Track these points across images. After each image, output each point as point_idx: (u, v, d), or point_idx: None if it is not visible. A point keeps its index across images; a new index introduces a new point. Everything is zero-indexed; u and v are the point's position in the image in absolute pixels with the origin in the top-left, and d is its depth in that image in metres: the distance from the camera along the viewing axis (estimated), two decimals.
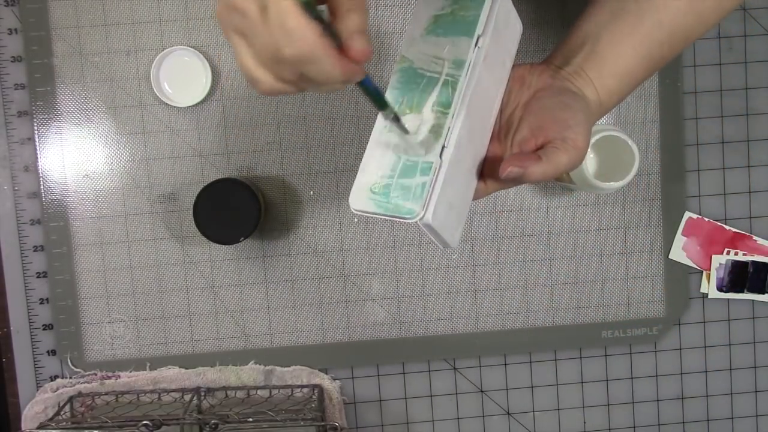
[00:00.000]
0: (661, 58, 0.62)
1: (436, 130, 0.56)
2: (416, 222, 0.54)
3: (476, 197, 0.61)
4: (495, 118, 0.61)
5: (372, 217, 0.55)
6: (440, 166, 0.55)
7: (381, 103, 0.54)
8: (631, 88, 0.62)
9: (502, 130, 0.62)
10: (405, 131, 0.56)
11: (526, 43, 0.83)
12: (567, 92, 0.60)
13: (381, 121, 0.57)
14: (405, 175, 0.55)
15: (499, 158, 0.61)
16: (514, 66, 0.63)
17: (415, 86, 0.57)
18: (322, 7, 0.50)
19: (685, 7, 0.60)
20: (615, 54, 0.60)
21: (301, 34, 0.46)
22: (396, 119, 0.55)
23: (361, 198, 0.55)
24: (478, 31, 0.57)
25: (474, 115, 0.58)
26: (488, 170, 0.61)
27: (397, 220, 0.54)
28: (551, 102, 0.60)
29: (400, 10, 0.84)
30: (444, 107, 0.56)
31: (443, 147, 0.55)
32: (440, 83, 0.57)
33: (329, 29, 0.48)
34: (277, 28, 0.46)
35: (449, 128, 0.56)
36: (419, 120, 0.56)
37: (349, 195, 0.56)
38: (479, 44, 0.57)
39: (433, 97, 0.57)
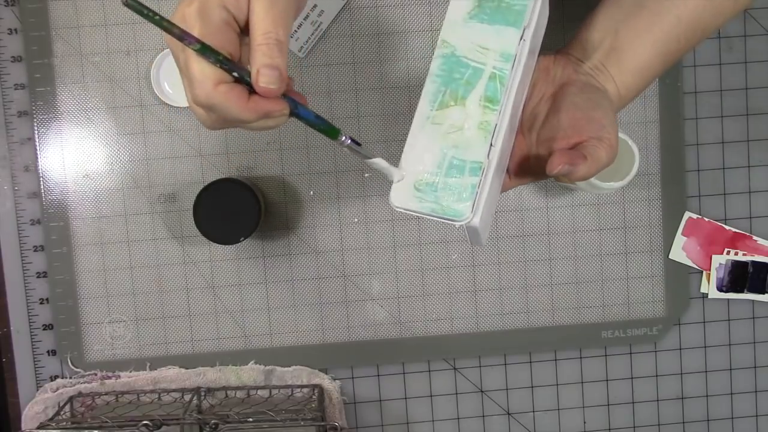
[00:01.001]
0: (677, 53, 0.62)
1: (484, 127, 0.53)
2: (461, 225, 0.52)
3: (503, 190, 0.61)
4: (520, 111, 0.60)
5: (413, 215, 0.53)
6: (488, 166, 0.53)
7: (328, 132, 0.52)
8: (648, 83, 0.63)
9: (525, 124, 0.61)
10: (367, 156, 0.53)
11: None
12: (593, 89, 0.60)
13: (423, 110, 0.55)
14: (452, 173, 0.53)
15: (524, 153, 0.61)
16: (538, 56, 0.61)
17: (459, 76, 0.55)
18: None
19: (703, 3, 0.60)
20: (634, 50, 0.60)
21: (199, 81, 0.46)
22: (354, 143, 0.52)
23: (404, 194, 0.53)
24: (525, 22, 0.55)
25: (513, 111, 0.56)
26: (512, 165, 0.61)
27: (443, 221, 0.52)
28: (581, 99, 0.59)
29: (400, 10, 0.84)
30: (491, 102, 0.54)
31: (491, 145, 0.53)
32: (487, 76, 0.54)
33: (237, 70, 0.47)
34: (184, 76, 0.48)
35: (497, 126, 0.53)
36: (464, 114, 0.54)
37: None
38: (524, 37, 0.55)
39: (479, 90, 0.54)
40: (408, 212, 0.53)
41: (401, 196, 0.53)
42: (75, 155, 0.83)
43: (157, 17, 0.45)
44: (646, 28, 0.60)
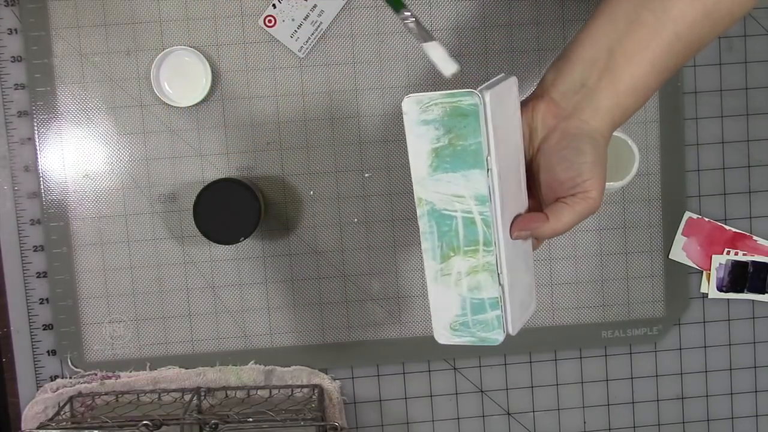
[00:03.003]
0: (675, 69, 0.59)
1: (487, 268, 0.57)
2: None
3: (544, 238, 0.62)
4: (524, 185, 0.61)
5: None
6: (504, 293, 0.58)
7: (396, 4, 0.53)
8: (644, 102, 0.60)
9: (531, 185, 0.62)
10: (427, 39, 0.55)
11: (526, 42, 0.83)
12: (570, 137, 0.58)
13: (430, 266, 0.59)
14: (477, 312, 0.59)
15: (539, 210, 0.61)
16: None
17: (447, 228, 0.58)
18: None
19: (701, 18, 0.57)
20: (630, 70, 0.58)
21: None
22: (418, 22, 0.54)
23: (445, 336, 0.61)
24: (485, 155, 0.55)
25: (508, 210, 0.58)
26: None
27: (485, 346, 0.60)
28: (556, 158, 0.59)
29: None
30: (486, 245, 0.57)
31: (499, 273, 0.57)
32: (471, 222, 0.57)
33: None
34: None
35: (498, 261, 0.57)
36: (465, 261, 0.58)
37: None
38: (489, 166, 0.55)
39: (470, 238, 0.57)
40: (455, 345, 0.61)
41: (444, 336, 0.61)
42: (75, 155, 0.83)
43: None
44: (643, 47, 0.57)
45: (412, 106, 0.56)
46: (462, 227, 0.57)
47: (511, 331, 0.60)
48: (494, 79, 0.57)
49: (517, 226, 0.58)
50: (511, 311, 0.59)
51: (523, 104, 0.60)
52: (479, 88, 0.54)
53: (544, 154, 0.59)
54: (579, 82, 0.58)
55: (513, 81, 0.58)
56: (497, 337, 0.59)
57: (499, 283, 0.58)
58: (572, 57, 0.59)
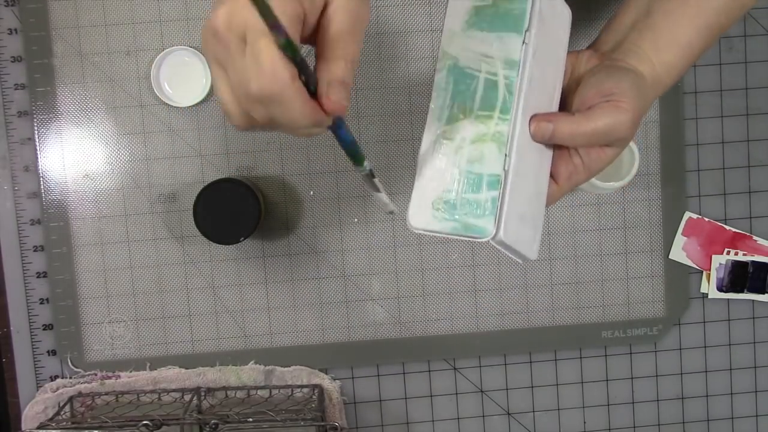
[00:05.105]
0: (719, 27, 0.59)
1: (497, 138, 0.52)
2: (489, 241, 0.51)
3: (551, 201, 0.58)
4: (557, 109, 0.58)
5: (435, 236, 0.52)
6: (506, 178, 0.51)
7: (356, 158, 0.50)
8: (690, 61, 0.59)
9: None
10: (376, 189, 0.52)
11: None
12: (615, 68, 0.57)
13: (432, 126, 0.53)
14: (470, 189, 0.51)
15: (564, 156, 0.58)
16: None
17: (464, 87, 0.53)
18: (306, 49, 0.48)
19: None
20: (671, 25, 0.58)
21: (272, 71, 0.44)
22: (371, 175, 0.51)
23: (422, 216, 0.52)
24: (525, 25, 0.53)
25: (531, 107, 0.54)
26: (556, 170, 0.58)
27: (467, 239, 0.51)
28: (595, 79, 0.57)
29: (400, 10, 0.84)
30: (502, 112, 0.52)
31: (506, 156, 0.52)
32: (494, 85, 0.53)
33: (307, 73, 0.46)
34: (252, 63, 0.45)
35: (510, 135, 0.52)
36: (475, 126, 0.53)
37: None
38: (526, 40, 0.53)
39: (488, 100, 0.53)
40: (428, 233, 0.52)
41: (419, 217, 0.52)
42: (75, 155, 0.83)
43: (268, 11, 0.43)
44: (682, 2, 0.57)
45: None
46: (482, 88, 0.53)
47: (501, 232, 0.51)
48: None
49: (538, 116, 0.54)
50: (508, 209, 0.51)
51: (570, 52, 0.60)
52: None
53: (586, 79, 0.57)
54: (621, 40, 0.59)
55: (569, 9, 0.57)
56: (486, 225, 0.50)
57: (504, 168, 0.52)
58: (613, 25, 0.60)
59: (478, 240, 0.51)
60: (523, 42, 0.53)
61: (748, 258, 0.87)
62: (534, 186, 0.55)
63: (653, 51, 0.58)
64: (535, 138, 0.54)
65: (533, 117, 0.54)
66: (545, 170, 0.56)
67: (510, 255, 0.54)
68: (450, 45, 0.54)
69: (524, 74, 0.53)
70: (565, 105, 0.59)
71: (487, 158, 0.52)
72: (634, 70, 0.57)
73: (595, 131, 0.54)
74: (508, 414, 0.89)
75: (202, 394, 0.84)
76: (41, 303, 0.84)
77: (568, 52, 0.59)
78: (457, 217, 0.51)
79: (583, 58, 0.60)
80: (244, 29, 0.45)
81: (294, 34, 0.46)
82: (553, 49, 0.57)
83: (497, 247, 0.52)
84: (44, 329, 0.85)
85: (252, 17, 0.44)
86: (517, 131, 0.52)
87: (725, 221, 0.87)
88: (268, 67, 0.44)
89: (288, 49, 0.44)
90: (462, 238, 0.51)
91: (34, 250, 0.84)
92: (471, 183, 0.51)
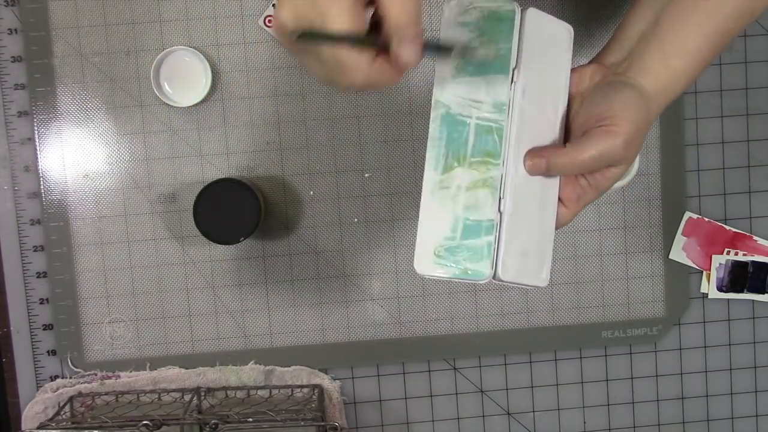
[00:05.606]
0: (727, 33, 0.58)
1: (489, 184, 0.53)
2: (490, 281, 0.53)
3: (561, 224, 0.59)
4: (561, 134, 0.58)
5: (439, 279, 0.55)
6: (501, 221, 0.53)
7: (445, 51, 0.53)
8: (700, 67, 0.58)
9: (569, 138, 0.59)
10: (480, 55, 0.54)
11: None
12: (613, 85, 0.57)
13: (430, 176, 0.55)
14: (469, 235, 0.53)
15: (571, 179, 0.58)
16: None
17: (458, 135, 0.54)
18: None
19: None
20: (678, 32, 0.57)
21: (356, 67, 0.47)
22: (465, 48, 0.53)
23: (426, 262, 0.54)
24: (513, 64, 0.54)
25: (528, 140, 0.55)
26: (564, 194, 0.58)
27: (468, 282, 0.54)
28: (590, 101, 0.57)
29: None
30: (492, 157, 0.53)
31: (500, 199, 0.53)
32: (484, 131, 0.54)
33: (378, 44, 0.48)
34: (336, 66, 0.48)
35: (503, 178, 0.53)
36: (468, 174, 0.54)
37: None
38: (515, 79, 0.54)
39: (478, 146, 0.54)
40: (433, 278, 0.54)
41: (423, 265, 0.54)
42: (75, 155, 0.83)
43: (334, 36, 0.46)
44: (690, 9, 0.57)
45: (453, 8, 0.55)
46: (473, 135, 0.54)
47: (500, 272, 0.54)
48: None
49: (531, 153, 0.55)
50: (505, 249, 0.53)
51: (573, 70, 0.60)
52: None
53: (586, 101, 0.58)
54: (627, 50, 0.59)
55: (568, 27, 0.58)
56: (483, 269, 0.53)
57: (499, 210, 0.54)
58: (619, 35, 0.60)
59: (478, 282, 0.54)
60: (512, 81, 0.54)
61: (748, 258, 0.87)
62: (538, 218, 0.56)
63: (660, 58, 0.57)
64: (532, 174, 0.55)
65: (527, 153, 0.55)
66: (551, 197, 0.57)
67: (519, 287, 0.56)
68: (442, 93, 0.55)
69: (514, 114, 0.54)
70: (570, 127, 0.59)
71: (482, 204, 0.54)
72: (633, 85, 0.57)
73: (590, 159, 0.55)
74: (508, 414, 0.89)
75: (202, 394, 0.84)
76: (41, 303, 0.84)
77: (573, 70, 0.59)
78: (457, 262, 0.53)
79: (587, 74, 0.59)
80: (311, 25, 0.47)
81: (359, 23, 0.47)
82: (552, 75, 0.57)
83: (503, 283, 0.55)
84: (44, 329, 0.85)
85: (314, 13, 0.46)
86: (509, 173, 0.54)
87: (725, 221, 0.87)
88: (352, 65, 0.47)
89: (360, 43, 0.47)
90: (464, 281, 0.54)
91: (34, 250, 0.84)
92: (469, 229, 0.54)
